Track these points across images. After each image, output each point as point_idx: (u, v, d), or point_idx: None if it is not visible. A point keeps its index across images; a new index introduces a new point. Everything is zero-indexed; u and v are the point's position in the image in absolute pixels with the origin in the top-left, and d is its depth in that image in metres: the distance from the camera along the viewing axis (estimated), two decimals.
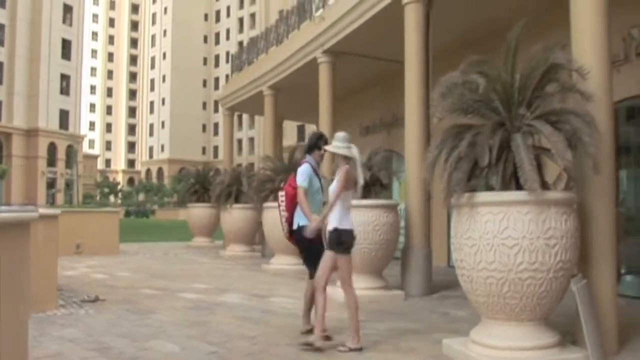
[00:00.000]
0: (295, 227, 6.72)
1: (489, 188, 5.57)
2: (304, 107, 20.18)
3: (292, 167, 13.86)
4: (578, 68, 5.57)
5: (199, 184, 21.31)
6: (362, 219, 9.03)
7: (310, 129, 64.36)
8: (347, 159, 6.25)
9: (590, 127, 5.37)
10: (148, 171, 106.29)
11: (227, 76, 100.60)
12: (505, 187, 5.45)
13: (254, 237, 17.86)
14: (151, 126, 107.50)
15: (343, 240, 6.15)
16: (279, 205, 6.92)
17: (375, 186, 10.06)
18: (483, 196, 5.45)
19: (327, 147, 6.58)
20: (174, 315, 8.10)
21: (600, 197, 5.83)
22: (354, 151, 6.27)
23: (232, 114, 22.35)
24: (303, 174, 6.63)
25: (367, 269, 9.33)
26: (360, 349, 5.98)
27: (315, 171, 6.84)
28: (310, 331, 6.53)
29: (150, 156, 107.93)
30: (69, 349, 6.03)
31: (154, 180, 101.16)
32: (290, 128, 57.48)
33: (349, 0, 12.27)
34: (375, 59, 14.07)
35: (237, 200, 16.97)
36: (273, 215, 13.28)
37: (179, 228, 35.45)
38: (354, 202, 9.08)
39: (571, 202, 5.55)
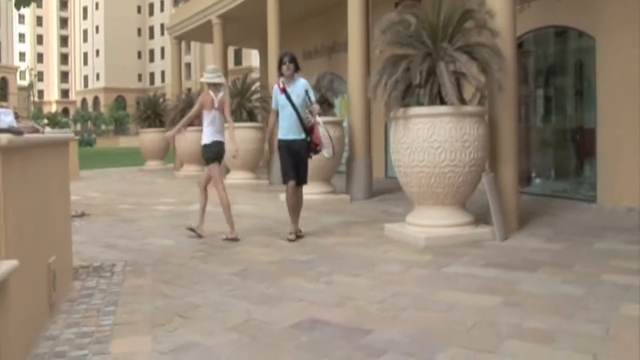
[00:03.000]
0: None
1: (420, 104, 7.13)
2: (249, 34, 21.22)
3: (245, 90, 15.25)
4: (487, 10, 7.12)
5: (150, 110, 22.26)
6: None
7: (248, 53, 64.71)
8: (216, 85, 7.71)
9: (497, 57, 6.96)
10: (84, 101, 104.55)
11: (161, 1, 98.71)
12: (432, 103, 7.00)
13: None
14: (85, 55, 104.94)
15: (206, 154, 7.86)
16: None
17: (323, 105, 11.48)
18: (415, 110, 7.00)
19: (201, 79, 7.96)
20: (157, 221, 9.50)
21: (504, 111, 7.48)
22: (222, 79, 7.78)
23: (179, 42, 23.15)
24: (272, 96, 7.74)
25: (318, 177, 10.89)
26: (236, 239, 7.53)
27: (284, 89, 7.40)
28: (297, 236, 7.49)
29: (85, 85, 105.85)
30: (83, 247, 7.19)
31: (90, 109, 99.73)
32: (228, 53, 57.77)
33: None
34: None
35: (190, 124, 18.15)
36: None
37: (125, 154, 36.33)
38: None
39: (482, 113, 7.18)
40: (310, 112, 7.37)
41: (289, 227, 7.55)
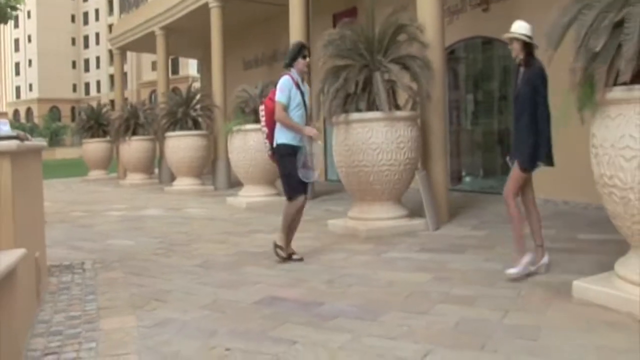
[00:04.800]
0: (274, 145, 6.28)
1: (358, 110, 7.91)
2: (190, 44, 21.76)
3: (190, 99, 15.79)
4: (418, 25, 7.96)
5: (93, 120, 22.44)
6: (260, 139, 11.18)
7: (185, 62, 64.78)
8: None
9: (426, 67, 7.81)
10: (16, 112, 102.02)
11: (96, 10, 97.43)
12: (369, 109, 7.79)
13: (152, 166, 19.61)
14: (17, 65, 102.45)
15: None
16: (260, 121, 6.56)
17: None
18: (354, 116, 7.78)
19: None
20: (112, 226, 9.97)
21: (434, 115, 8.32)
22: None
23: (122, 52, 23.43)
24: (283, 88, 6.13)
25: (263, 180, 11.63)
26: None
27: (297, 83, 6.23)
28: (291, 255, 6.39)
29: (18, 96, 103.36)
30: (49, 250, 7.56)
31: (23, 120, 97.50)
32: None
33: None
34: (260, 3, 15.91)
35: (134, 133, 18.63)
36: (173, 144, 15.31)
37: (64, 166, 36.06)
38: (250, 126, 11.28)
39: (414, 118, 8.02)
40: None
41: (279, 239, 6.35)
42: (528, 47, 5.12)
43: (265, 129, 6.37)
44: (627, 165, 3.92)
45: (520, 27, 5.15)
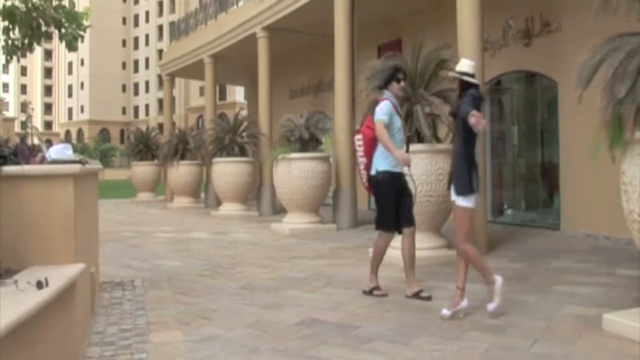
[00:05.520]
0: (373, 172, 6.01)
1: None
2: (237, 71, 22.39)
3: (237, 127, 16.24)
4: (458, 61, 8.18)
5: (142, 144, 23.14)
6: (304, 168, 11.56)
7: (232, 89, 65.94)
8: None
9: None
10: (67, 132, 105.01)
11: (146, 36, 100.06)
12: (410, 141, 8.01)
13: (199, 190, 20.11)
14: (70, 87, 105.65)
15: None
16: (356, 151, 6.26)
17: (312, 142, 12.49)
18: None
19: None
20: (160, 247, 10.37)
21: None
22: None
23: (171, 78, 24.19)
24: (383, 108, 5.84)
25: (307, 208, 11.91)
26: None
27: (396, 108, 6.05)
28: (374, 289, 6.11)
29: (70, 117, 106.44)
30: (101, 268, 8.00)
31: (74, 141, 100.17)
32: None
33: None
34: (306, 34, 16.35)
35: (182, 158, 19.19)
36: (220, 169, 15.73)
37: (113, 187, 36.90)
38: (294, 155, 11.62)
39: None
40: None
41: (370, 281, 6.19)
42: (464, 81, 5.39)
43: (364, 159, 6.13)
44: None
45: (459, 66, 5.50)
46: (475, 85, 5.40)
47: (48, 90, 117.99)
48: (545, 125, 12.15)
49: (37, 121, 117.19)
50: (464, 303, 5.24)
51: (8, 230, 4.07)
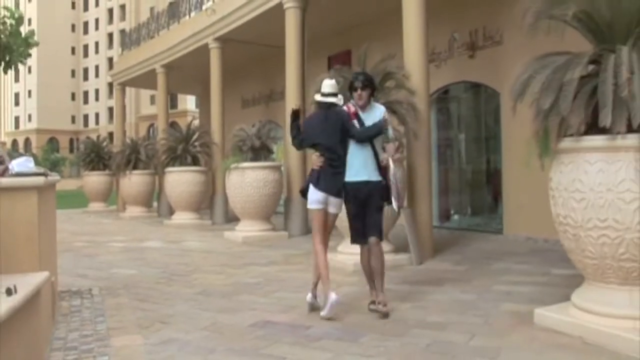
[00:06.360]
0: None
1: None
2: (190, 81, 22.54)
3: (189, 136, 16.40)
4: (404, 73, 8.60)
5: (94, 154, 23.00)
6: (256, 176, 11.83)
7: (183, 98, 65.60)
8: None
9: (412, 111, 8.43)
10: (14, 142, 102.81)
11: (96, 43, 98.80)
12: None
13: (151, 199, 20.16)
14: (17, 95, 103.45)
15: None
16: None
17: (263, 150, 12.76)
18: None
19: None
20: (115, 256, 10.47)
21: (420, 156, 8.92)
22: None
23: (123, 88, 24.16)
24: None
25: (259, 216, 12.18)
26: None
27: (357, 113, 5.90)
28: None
29: (17, 126, 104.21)
30: (61, 278, 8.25)
31: (22, 151, 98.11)
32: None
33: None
34: (258, 45, 16.62)
35: (135, 167, 19.23)
36: (173, 179, 15.86)
37: (63, 197, 36.32)
38: (247, 164, 11.88)
39: (401, 160, 8.60)
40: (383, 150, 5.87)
41: (372, 295, 5.90)
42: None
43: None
44: (577, 206, 4.50)
45: (322, 87, 5.98)
46: (335, 105, 5.90)
47: None
48: (489, 133, 12.67)
49: None
50: (332, 297, 5.45)
51: None
